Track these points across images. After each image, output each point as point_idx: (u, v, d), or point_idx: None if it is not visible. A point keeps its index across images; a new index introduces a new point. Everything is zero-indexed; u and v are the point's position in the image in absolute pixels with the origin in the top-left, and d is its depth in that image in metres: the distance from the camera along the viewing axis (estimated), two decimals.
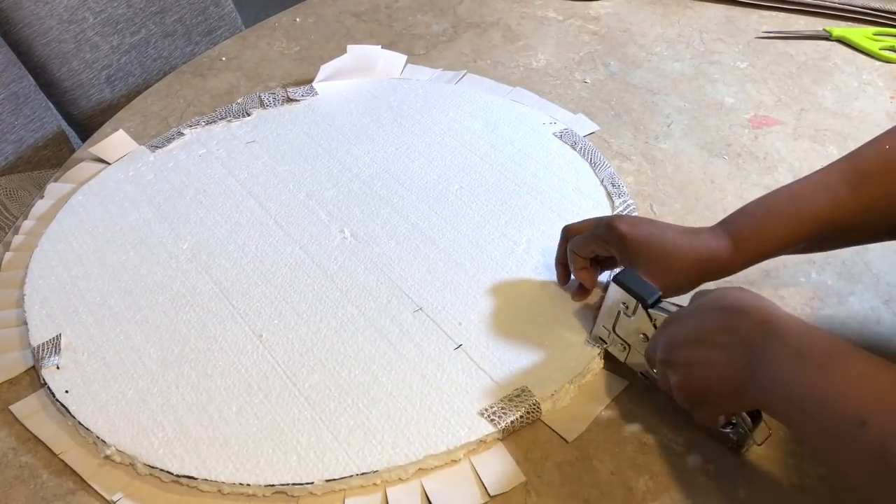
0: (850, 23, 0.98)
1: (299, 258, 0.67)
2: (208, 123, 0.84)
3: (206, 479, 0.51)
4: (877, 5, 0.97)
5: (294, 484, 0.51)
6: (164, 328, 0.62)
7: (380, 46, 0.94)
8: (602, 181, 0.73)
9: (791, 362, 0.42)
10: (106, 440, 0.54)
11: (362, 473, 0.51)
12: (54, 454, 0.54)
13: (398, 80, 0.91)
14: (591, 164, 0.75)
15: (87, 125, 1.07)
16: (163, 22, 1.13)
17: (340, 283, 0.65)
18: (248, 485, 0.51)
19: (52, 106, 1.07)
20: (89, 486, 0.52)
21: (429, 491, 0.51)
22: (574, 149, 0.77)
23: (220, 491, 0.51)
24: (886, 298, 0.62)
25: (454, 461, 0.52)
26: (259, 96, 0.88)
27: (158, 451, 0.53)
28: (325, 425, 0.54)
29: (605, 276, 0.62)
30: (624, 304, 0.54)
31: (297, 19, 1.06)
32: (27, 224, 0.74)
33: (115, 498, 0.51)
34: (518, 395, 0.55)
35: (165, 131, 0.84)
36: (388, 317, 0.61)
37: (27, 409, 0.58)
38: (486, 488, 0.51)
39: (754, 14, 1.02)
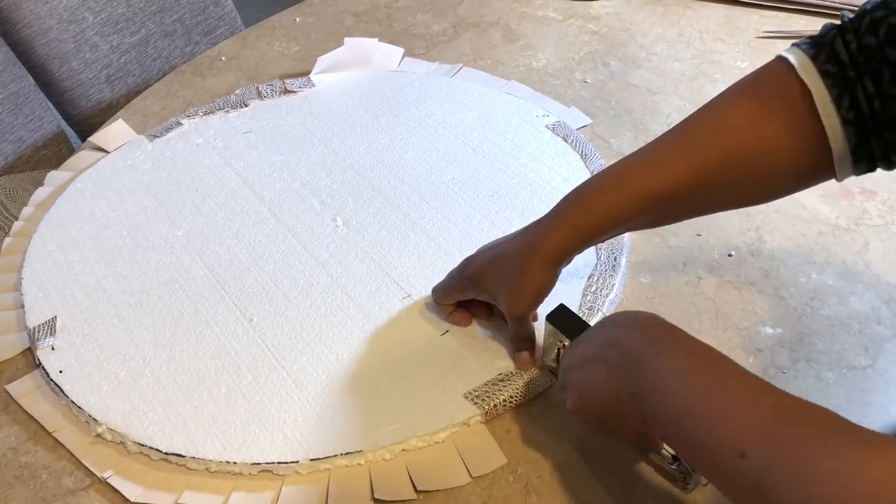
0: None
1: (291, 245, 0.68)
2: (206, 114, 0.85)
3: (193, 458, 0.52)
4: None
5: (280, 462, 0.51)
6: (157, 311, 0.63)
7: (377, 39, 0.95)
8: (592, 172, 0.73)
9: (673, 380, 0.40)
10: (98, 419, 0.55)
11: (346, 453, 0.51)
12: (54, 455, 0.55)
13: (394, 72, 0.91)
14: (581, 155, 0.75)
15: (86, 125, 1.07)
16: (163, 22, 1.13)
17: (331, 270, 0.65)
18: (235, 463, 0.52)
19: (51, 106, 1.07)
20: (89, 486, 0.53)
21: (412, 471, 0.51)
22: (566, 141, 0.77)
23: (207, 469, 0.52)
24: (886, 298, 0.61)
25: (437, 442, 0.53)
26: (257, 88, 0.89)
27: (148, 430, 0.54)
28: (311, 406, 0.55)
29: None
30: (560, 342, 0.53)
31: (297, 19, 1.07)
32: (27, 210, 0.75)
33: (105, 475, 0.52)
34: (502, 380, 0.55)
35: None
36: (377, 303, 0.62)
37: (22, 388, 0.59)
38: (468, 469, 0.51)
39: (754, 14, 1.02)
